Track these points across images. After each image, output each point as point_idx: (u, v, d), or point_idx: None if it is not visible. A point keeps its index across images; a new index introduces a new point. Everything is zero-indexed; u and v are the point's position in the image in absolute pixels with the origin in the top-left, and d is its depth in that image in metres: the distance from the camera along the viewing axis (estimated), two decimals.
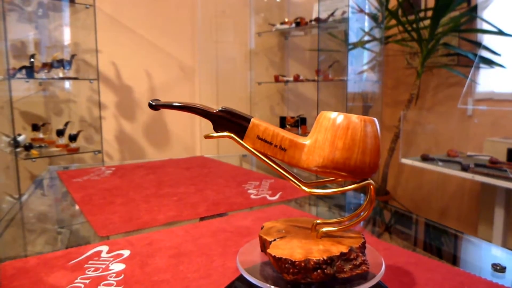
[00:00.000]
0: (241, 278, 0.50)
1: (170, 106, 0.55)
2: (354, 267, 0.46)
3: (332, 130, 0.48)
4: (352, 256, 0.46)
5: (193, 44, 3.20)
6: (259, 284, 0.46)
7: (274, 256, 0.47)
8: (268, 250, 0.49)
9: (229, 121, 0.54)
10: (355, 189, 0.49)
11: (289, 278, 0.46)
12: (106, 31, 2.71)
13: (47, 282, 0.62)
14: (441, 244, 0.85)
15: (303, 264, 0.45)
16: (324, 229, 0.51)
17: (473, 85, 2.69)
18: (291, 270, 0.46)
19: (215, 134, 0.54)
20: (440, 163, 2.20)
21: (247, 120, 0.53)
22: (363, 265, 0.46)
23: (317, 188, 0.53)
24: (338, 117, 0.48)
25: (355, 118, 0.48)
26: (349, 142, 0.47)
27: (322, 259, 0.45)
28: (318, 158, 0.48)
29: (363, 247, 0.48)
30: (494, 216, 2.14)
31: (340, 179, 0.51)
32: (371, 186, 0.49)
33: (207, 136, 0.54)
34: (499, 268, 0.62)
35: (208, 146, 3.29)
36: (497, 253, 0.80)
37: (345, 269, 0.46)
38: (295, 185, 0.53)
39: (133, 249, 0.73)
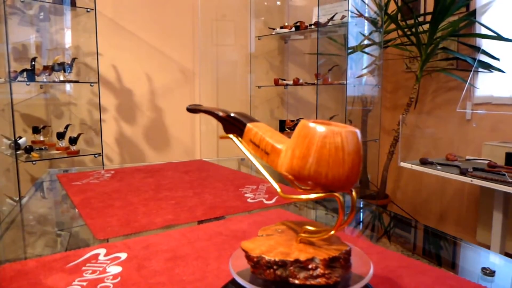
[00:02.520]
0: (234, 281, 0.51)
1: (198, 111, 0.66)
2: (310, 277, 0.46)
3: (295, 138, 0.48)
4: (310, 266, 0.46)
5: (193, 47, 3.21)
6: None
7: (241, 247, 0.50)
8: (242, 242, 0.51)
9: (232, 125, 0.60)
10: (318, 199, 0.49)
11: (251, 270, 0.49)
12: (107, 34, 2.73)
13: (45, 284, 0.63)
14: (434, 248, 0.86)
15: (255, 259, 0.48)
16: (303, 234, 0.52)
17: (472, 89, 2.70)
18: (249, 262, 0.49)
19: (224, 135, 0.62)
20: (438, 167, 2.21)
21: (244, 124, 0.58)
22: (321, 277, 0.46)
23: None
24: (302, 126, 0.48)
25: (318, 127, 0.46)
26: (304, 151, 0.46)
27: (273, 259, 0.47)
28: (283, 164, 0.50)
29: (332, 260, 0.47)
30: (492, 220, 2.14)
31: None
32: (338, 200, 0.48)
33: (220, 137, 0.63)
34: (488, 272, 0.63)
35: (208, 149, 3.30)
36: (488, 257, 0.81)
37: (298, 276, 0.46)
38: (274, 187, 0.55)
39: (130, 252, 0.75)
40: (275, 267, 0.47)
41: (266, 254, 0.48)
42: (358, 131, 0.47)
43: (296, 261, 0.47)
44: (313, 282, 0.46)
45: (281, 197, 0.53)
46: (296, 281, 0.46)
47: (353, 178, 0.46)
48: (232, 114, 0.60)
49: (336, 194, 0.47)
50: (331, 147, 0.45)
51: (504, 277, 0.65)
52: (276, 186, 0.54)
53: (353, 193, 0.48)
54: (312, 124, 0.47)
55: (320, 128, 0.46)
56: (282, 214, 0.99)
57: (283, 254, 0.48)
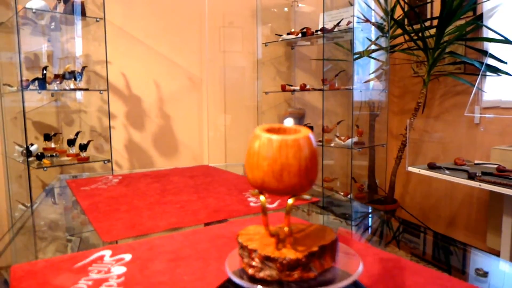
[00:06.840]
0: (230, 280, 0.53)
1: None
2: (247, 265, 0.52)
3: None
4: (251, 256, 0.52)
5: (201, 54, 3.26)
6: (245, 285, 0.49)
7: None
8: (251, 225, 0.60)
9: None
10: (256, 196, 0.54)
11: None
12: (115, 43, 2.78)
13: (53, 283, 0.66)
14: (431, 250, 0.86)
15: (235, 237, 0.56)
16: (275, 232, 0.56)
17: (480, 93, 2.69)
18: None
19: None
20: (447, 172, 2.20)
21: None
22: (253, 268, 0.51)
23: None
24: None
25: (255, 132, 0.50)
26: (246, 154, 0.51)
27: (238, 240, 0.54)
28: None
29: (266, 258, 0.50)
30: (502, 225, 2.12)
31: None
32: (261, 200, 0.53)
33: None
34: (481, 273, 0.63)
35: (216, 155, 3.33)
36: (483, 259, 0.81)
37: (244, 260, 0.53)
38: None
39: (135, 254, 0.77)
40: (239, 246, 0.54)
41: (240, 236, 0.55)
42: (296, 138, 0.48)
43: (245, 247, 0.52)
44: (247, 269, 0.52)
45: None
46: (243, 264, 0.53)
47: (273, 184, 0.49)
48: (291, 117, 0.62)
49: (260, 196, 0.53)
50: (252, 151, 0.50)
51: (497, 278, 0.65)
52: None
53: (276, 200, 0.52)
54: (256, 128, 0.51)
55: (254, 133, 0.50)
56: (283, 217, 1.00)
57: (248, 240, 0.54)
